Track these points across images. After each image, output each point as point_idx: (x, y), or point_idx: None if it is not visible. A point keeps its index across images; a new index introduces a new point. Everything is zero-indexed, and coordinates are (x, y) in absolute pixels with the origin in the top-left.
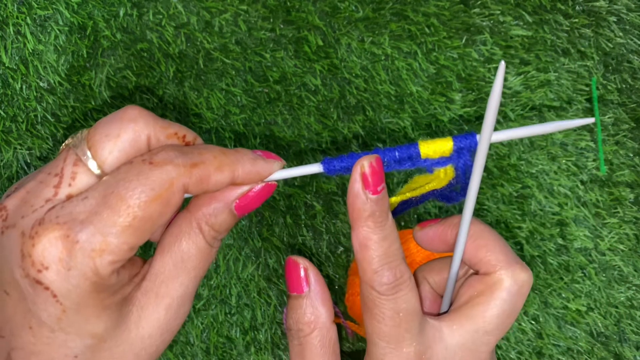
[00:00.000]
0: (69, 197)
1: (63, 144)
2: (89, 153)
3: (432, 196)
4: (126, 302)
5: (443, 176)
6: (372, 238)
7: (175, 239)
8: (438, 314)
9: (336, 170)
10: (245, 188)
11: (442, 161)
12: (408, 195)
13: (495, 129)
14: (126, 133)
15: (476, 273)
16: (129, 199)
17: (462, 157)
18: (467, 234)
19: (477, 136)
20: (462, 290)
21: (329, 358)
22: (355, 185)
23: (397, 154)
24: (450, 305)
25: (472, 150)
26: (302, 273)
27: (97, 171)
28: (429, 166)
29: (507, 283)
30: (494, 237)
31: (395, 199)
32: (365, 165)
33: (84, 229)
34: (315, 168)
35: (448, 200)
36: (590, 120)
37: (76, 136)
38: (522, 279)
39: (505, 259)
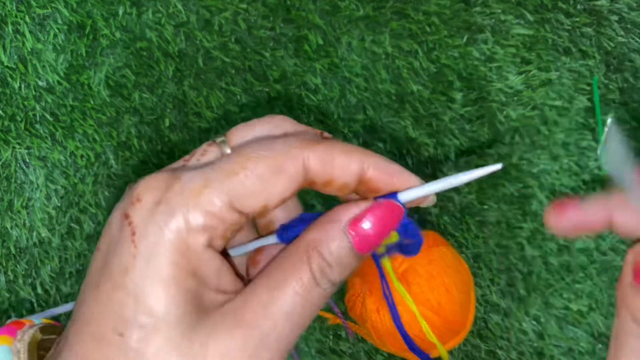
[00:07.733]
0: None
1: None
2: (224, 137)
3: (396, 249)
4: (203, 313)
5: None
6: None
7: (279, 266)
8: None
9: (291, 238)
10: (362, 206)
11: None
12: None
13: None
14: (262, 125)
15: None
16: (246, 160)
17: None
18: None
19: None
20: None
21: None
22: None
23: None
24: None
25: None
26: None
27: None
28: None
29: None
30: None
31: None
32: None
33: (192, 177)
34: (270, 240)
35: (407, 253)
36: (497, 167)
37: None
38: None
39: None
